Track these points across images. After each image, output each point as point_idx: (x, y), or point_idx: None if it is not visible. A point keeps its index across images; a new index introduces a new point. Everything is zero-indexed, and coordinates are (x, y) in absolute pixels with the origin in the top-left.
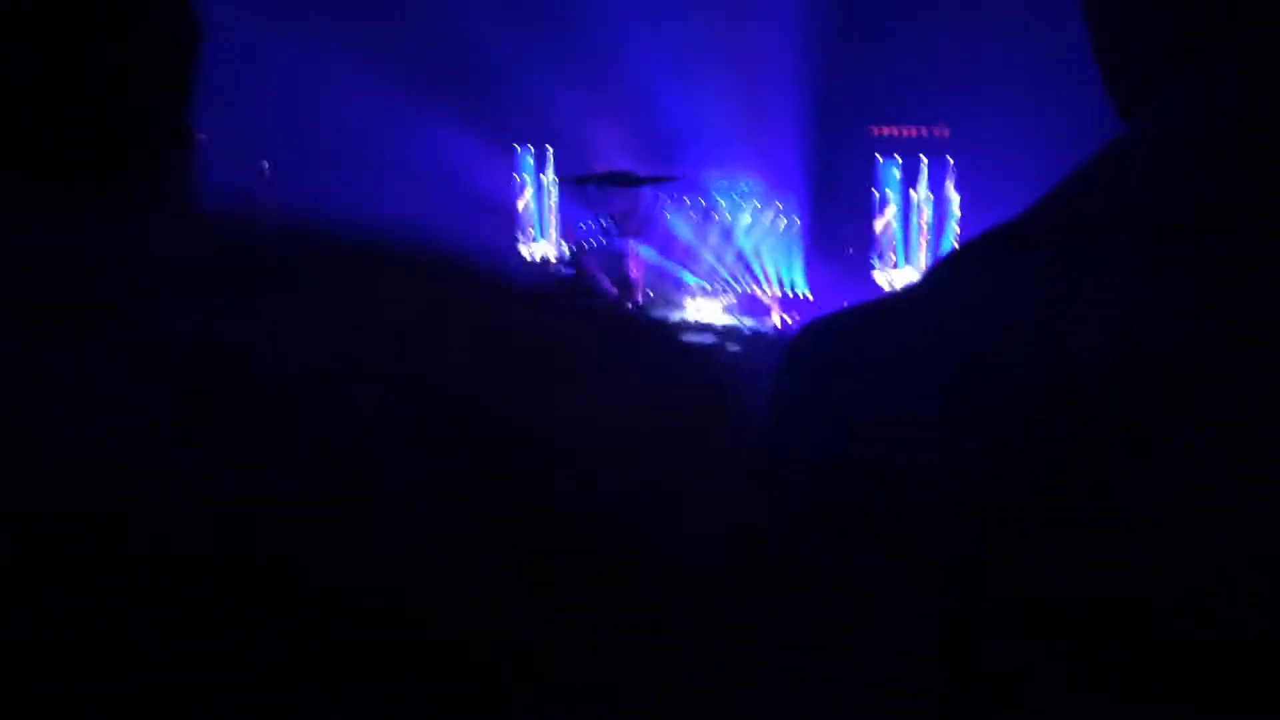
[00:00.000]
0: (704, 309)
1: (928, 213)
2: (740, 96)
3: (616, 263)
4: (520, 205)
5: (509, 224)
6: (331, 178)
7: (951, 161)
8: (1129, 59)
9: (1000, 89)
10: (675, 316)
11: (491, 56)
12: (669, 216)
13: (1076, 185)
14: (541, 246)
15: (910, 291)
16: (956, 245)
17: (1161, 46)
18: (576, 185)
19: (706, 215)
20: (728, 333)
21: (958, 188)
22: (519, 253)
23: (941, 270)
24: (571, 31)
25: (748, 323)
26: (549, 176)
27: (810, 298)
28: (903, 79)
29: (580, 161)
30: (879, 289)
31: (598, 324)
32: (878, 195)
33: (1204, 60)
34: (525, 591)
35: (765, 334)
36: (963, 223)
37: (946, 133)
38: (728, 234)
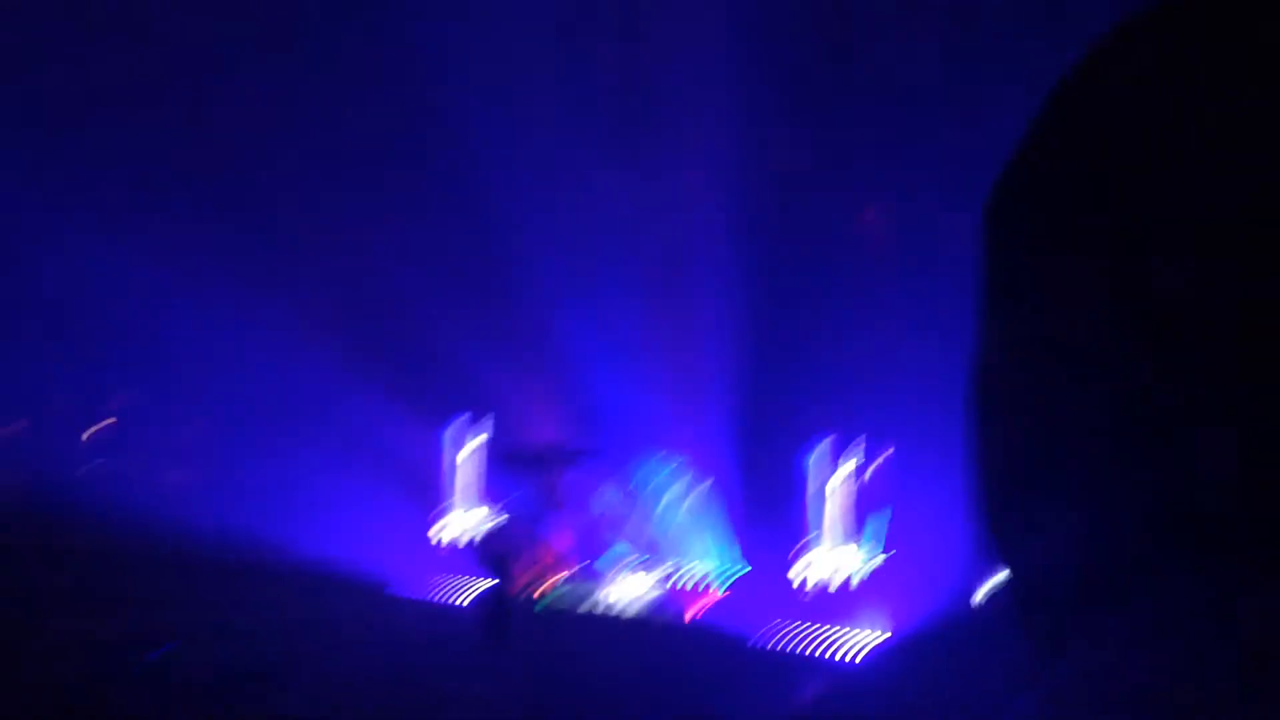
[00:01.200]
0: (627, 588)
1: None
2: (673, 377)
3: (538, 538)
4: (447, 474)
5: (434, 493)
6: (254, 445)
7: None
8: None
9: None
10: (599, 594)
11: (428, 325)
12: (598, 491)
13: None
14: (466, 517)
15: None
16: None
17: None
18: (505, 460)
19: (636, 491)
20: (649, 616)
21: (889, 473)
22: (438, 529)
23: None
24: (508, 302)
25: (669, 608)
26: (474, 445)
27: (736, 582)
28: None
29: (509, 430)
30: (806, 571)
31: None
32: (809, 479)
33: None
34: None
35: (686, 621)
36: (893, 501)
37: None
38: (655, 512)
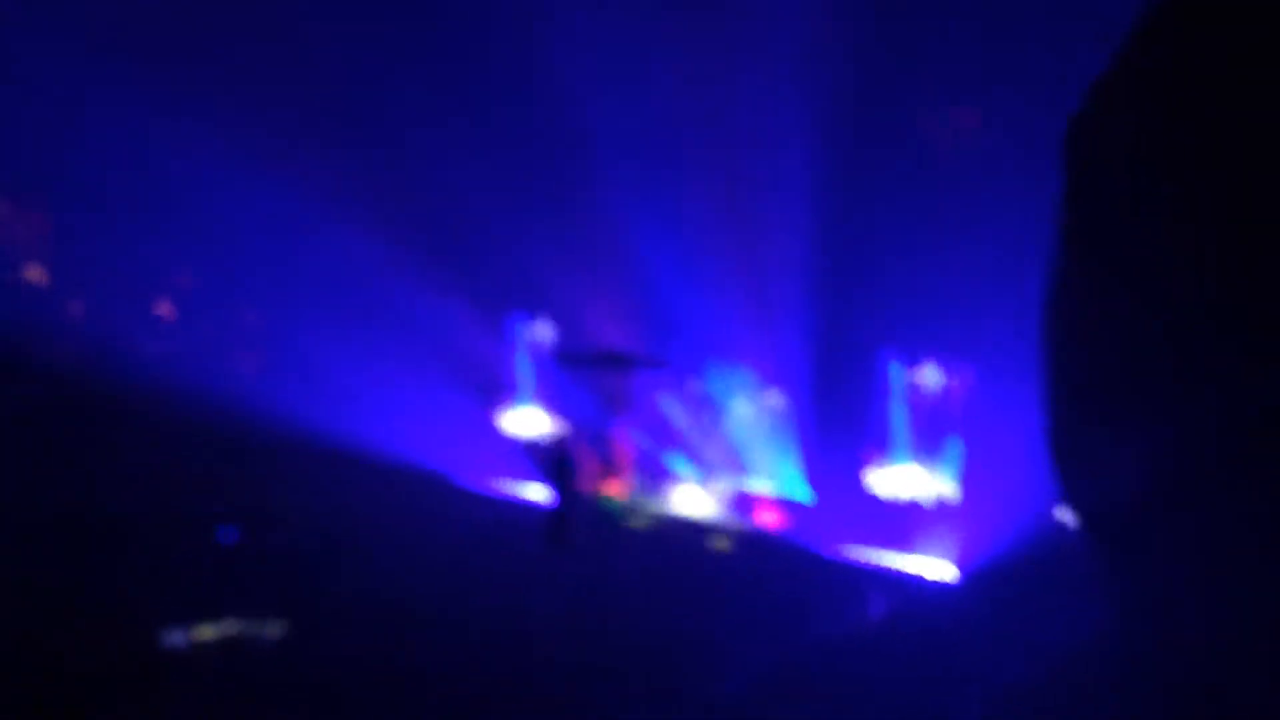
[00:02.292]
0: (691, 500)
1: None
2: (743, 286)
3: (603, 445)
4: (509, 373)
5: (497, 391)
6: (322, 333)
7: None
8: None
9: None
10: (661, 507)
11: (494, 223)
12: (661, 401)
13: None
14: (530, 416)
15: None
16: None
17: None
18: (569, 362)
19: (700, 403)
20: (714, 529)
21: (962, 391)
22: (503, 424)
23: None
24: (578, 206)
25: (734, 521)
26: (540, 340)
27: (804, 498)
28: (908, 287)
29: (574, 335)
30: (875, 490)
31: None
32: (882, 393)
33: None
34: None
35: (752, 534)
36: (965, 427)
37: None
38: (721, 424)
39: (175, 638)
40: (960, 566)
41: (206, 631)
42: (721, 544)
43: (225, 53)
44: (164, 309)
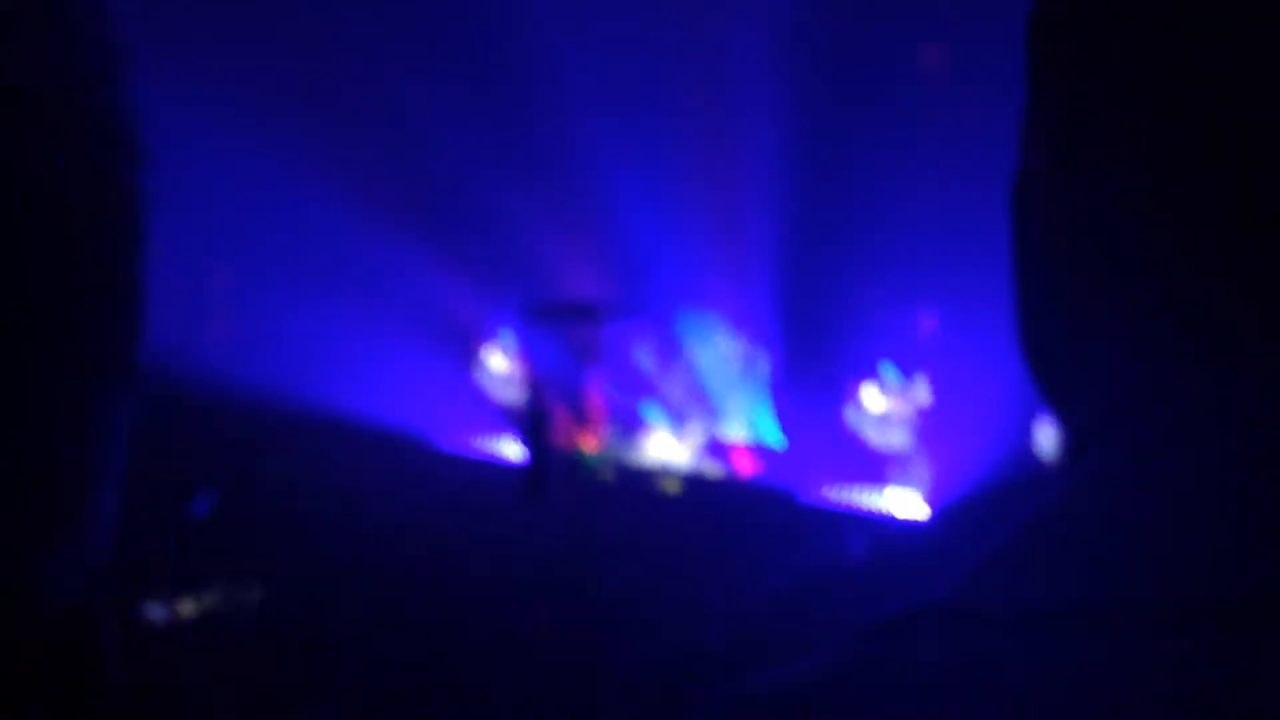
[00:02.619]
0: (667, 448)
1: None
2: (712, 232)
3: (576, 395)
4: (483, 330)
5: (467, 342)
6: (284, 296)
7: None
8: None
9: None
10: (636, 455)
11: (458, 177)
12: (633, 351)
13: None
14: (503, 373)
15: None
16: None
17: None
18: (537, 315)
19: (672, 351)
20: (691, 477)
21: (932, 331)
22: (475, 384)
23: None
24: (542, 154)
25: (712, 468)
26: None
27: (777, 442)
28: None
29: (545, 285)
30: (851, 429)
31: None
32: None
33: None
34: None
35: (730, 480)
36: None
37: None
38: (693, 371)
39: (154, 610)
40: (934, 502)
41: (186, 603)
42: (697, 489)
43: (195, 16)
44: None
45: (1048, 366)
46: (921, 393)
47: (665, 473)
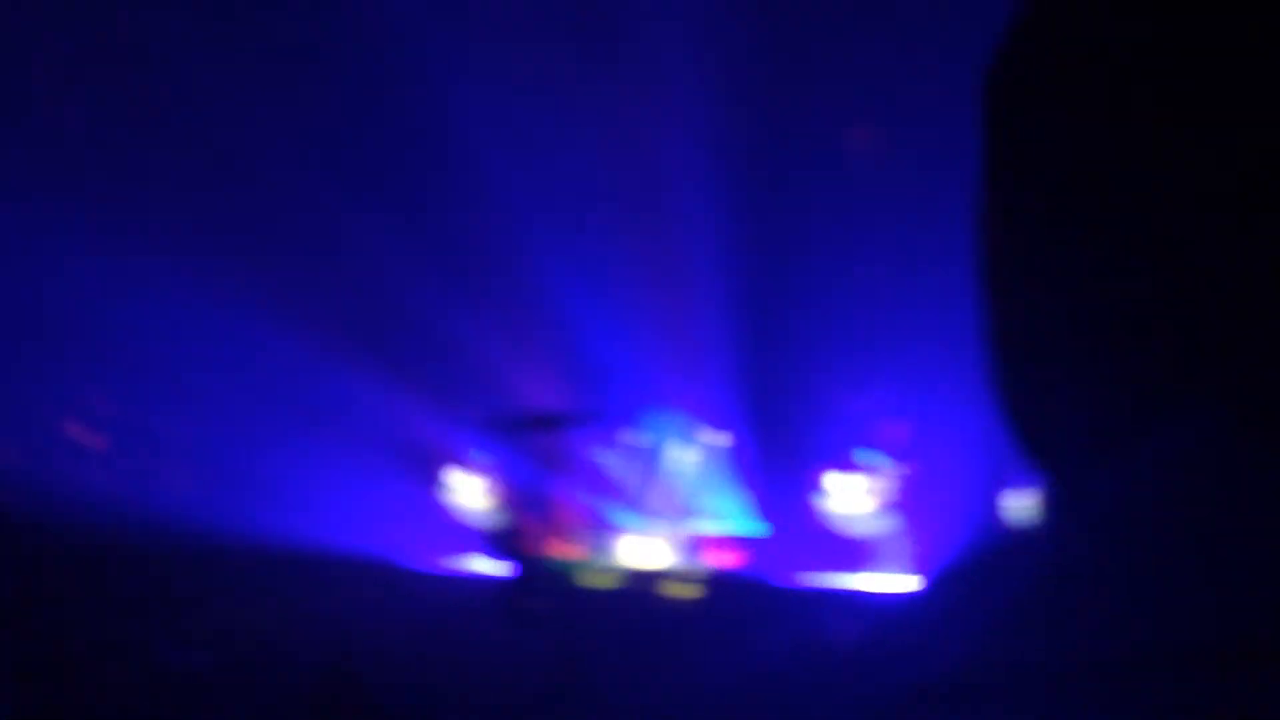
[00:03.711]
0: (644, 551)
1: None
2: (668, 330)
3: (546, 507)
4: (445, 449)
5: (431, 463)
6: (242, 436)
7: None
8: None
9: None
10: (613, 560)
11: (406, 297)
12: (599, 456)
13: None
14: (472, 490)
15: None
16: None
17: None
18: (500, 428)
19: (639, 453)
20: (674, 576)
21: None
22: (445, 504)
23: None
24: (490, 271)
25: (690, 566)
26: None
27: (756, 533)
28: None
29: (501, 400)
30: (827, 518)
31: None
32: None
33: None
34: None
35: (714, 575)
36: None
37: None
38: (663, 470)
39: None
40: (915, 577)
41: None
42: (680, 590)
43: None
44: (87, 437)
45: (1020, 413)
46: (891, 474)
47: (645, 574)
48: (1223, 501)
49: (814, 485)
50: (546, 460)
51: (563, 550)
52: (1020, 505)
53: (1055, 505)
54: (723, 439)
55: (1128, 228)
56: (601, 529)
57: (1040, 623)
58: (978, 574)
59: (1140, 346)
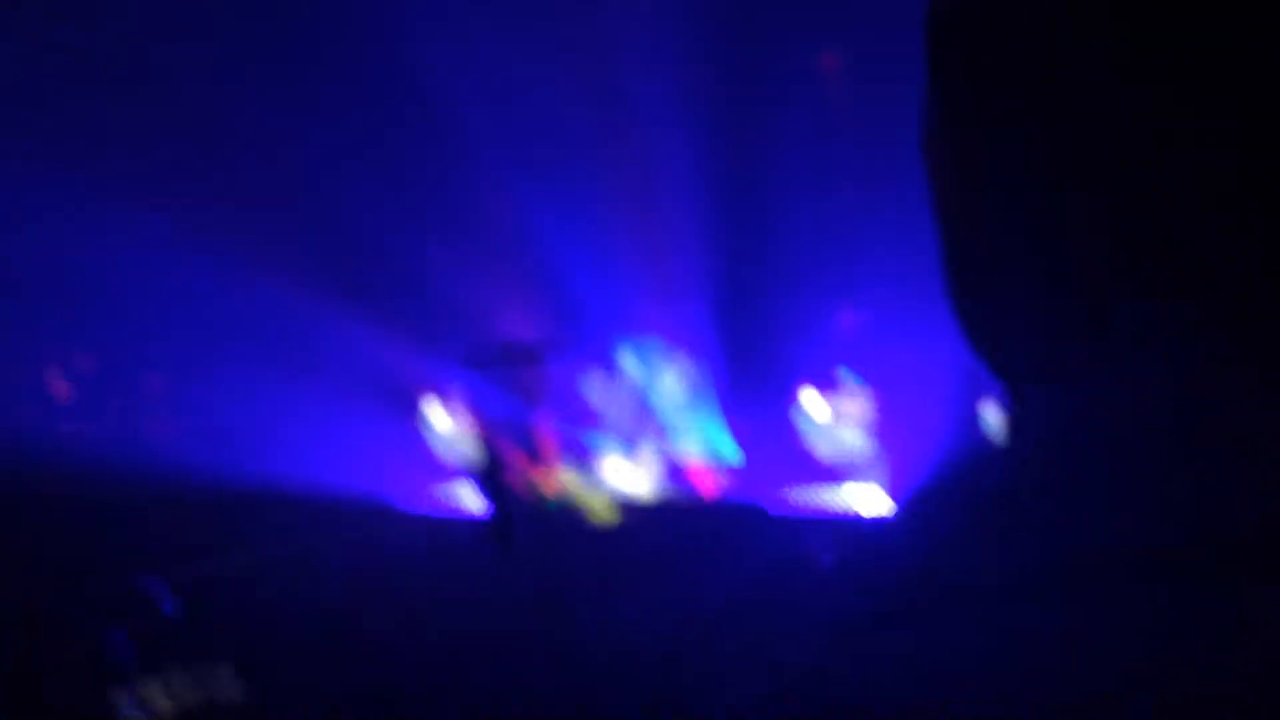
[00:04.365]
0: (625, 478)
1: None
2: (641, 257)
3: (528, 439)
4: (424, 383)
5: (410, 399)
6: (222, 379)
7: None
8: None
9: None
10: (594, 489)
11: (383, 233)
12: (577, 384)
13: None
14: (451, 426)
15: None
16: None
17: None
18: (478, 362)
19: (617, 381)
20: (654, 501)
21: (867, 328)
22: (424, 440)
23: None
24: (465, 201)
25: (672, 491)
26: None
27: (733, 457)
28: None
29: (479, 333)
30: (804, 439)
31: None
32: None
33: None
34: None
35: (694, 499)
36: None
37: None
38: (641, 397)
39: (131, 711)
40: (894, 495)
41: (164, 703)
42: (659, 515)
43: (93, 104)
44: (59, 387)
45: (972, 315)
46: (867, 393)
47: (625, 500)
48: (1183, 411)
49: (791, 406)
50: (525, 391)
51: (544, 480)
52: (995, 422)
53: (1017, 421)
54: (699, 364)
55: (1077, 141)
56: (582, 457)
57: (1005, 535)
58: (950, 491)
59: (1094, 259)
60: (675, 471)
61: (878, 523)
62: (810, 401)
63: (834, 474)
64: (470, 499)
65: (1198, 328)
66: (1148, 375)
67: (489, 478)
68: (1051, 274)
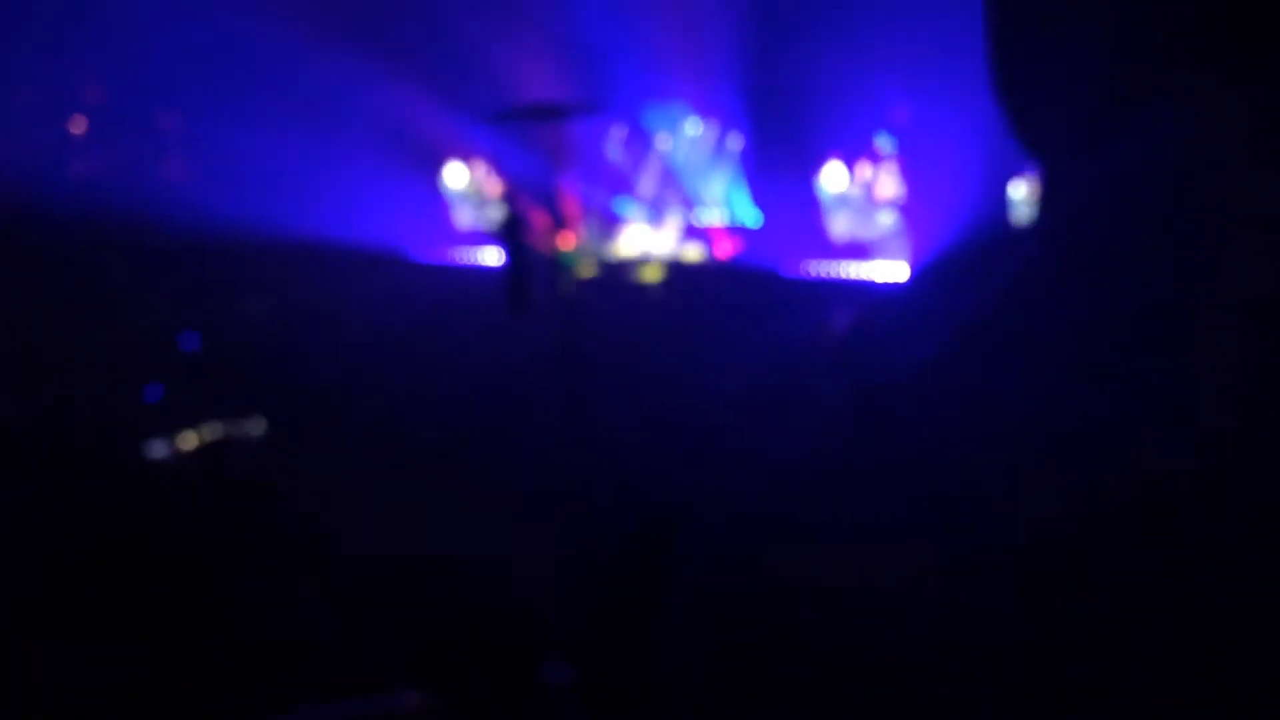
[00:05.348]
0: (645, 239)
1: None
2: (674, 20)
3: (550, 199)
4: (450, 139)
5: (434, 156)
6: (245, 129)
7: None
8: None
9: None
10: (615, 249)
11: None
12: (602, 146)
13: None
14: (471, 179)
15: None
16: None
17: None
18: (503, 120)
19: (640, 143)
20: (675, 265)
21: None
22: (445, 186)
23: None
24: None
25: (694, 253)
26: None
27: (754, 222)
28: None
29: (504, 92)
30: (826, 208)
31: None
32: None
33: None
34: None
35: (711, 262)
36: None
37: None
38: (664, 161)
39: (158, 449)
40: (914, 265)
41: (189, 438)
42: (679, 278)
43: None
44: (77, 125)
45: (1013, 83)
46: (893, 164)
47: (646, 263)
48: (1214, 177)
49: (815, 175)
50: (549, 151)
51: (565, 240)
52: (1022, 196)
53: (1048, 196)
54: (724, 130)
55: None
56: (603, 219)
57: (1029, 306)
58: (972, 263)
59: (1142, 27)
60: (695, 235)
61: (893, 291)
62: (835, 171)
63: (855, 245)
64: (488, 255)
65: (1240, 101)
66: (1184, 145)
67: (510, 236)
68: (1098, 41)
